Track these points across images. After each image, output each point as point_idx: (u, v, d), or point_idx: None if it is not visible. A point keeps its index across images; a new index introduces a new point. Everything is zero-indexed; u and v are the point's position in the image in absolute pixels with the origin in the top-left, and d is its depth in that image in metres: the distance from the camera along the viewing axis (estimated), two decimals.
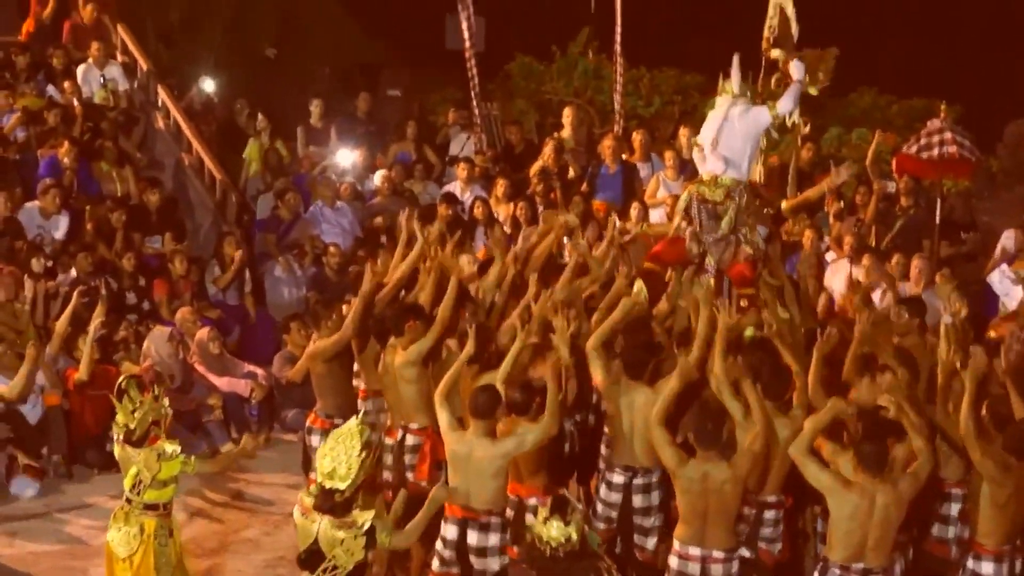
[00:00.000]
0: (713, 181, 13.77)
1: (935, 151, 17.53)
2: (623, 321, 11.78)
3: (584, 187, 19.05)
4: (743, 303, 13.43)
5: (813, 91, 14.30)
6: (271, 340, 17.20)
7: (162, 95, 20.71)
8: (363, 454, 8.99)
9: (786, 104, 13.91)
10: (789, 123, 14.08)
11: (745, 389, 10.52)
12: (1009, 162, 21.09)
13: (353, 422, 9.20)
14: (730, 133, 13.71)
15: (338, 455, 9.00)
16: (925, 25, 30.91)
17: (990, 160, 20.71)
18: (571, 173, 19.58)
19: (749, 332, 12.41)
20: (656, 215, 17.94)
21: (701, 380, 11.22)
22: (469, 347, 11.10)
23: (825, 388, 10.96)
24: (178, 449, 10.45)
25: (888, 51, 29.27)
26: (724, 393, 10.65)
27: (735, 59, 13.76)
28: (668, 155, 19.05)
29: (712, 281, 13.73)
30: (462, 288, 12.52)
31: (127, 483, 10.46)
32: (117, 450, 10.63)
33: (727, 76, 13.90)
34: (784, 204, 15.81)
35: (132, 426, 10.42)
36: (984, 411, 10.58)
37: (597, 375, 11.27)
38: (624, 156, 19.53)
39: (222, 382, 15.96)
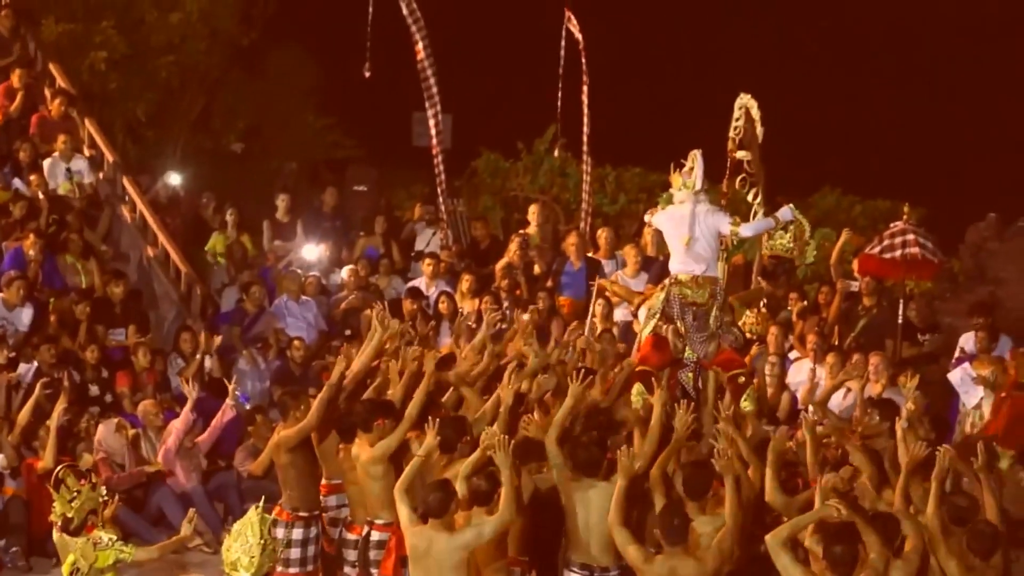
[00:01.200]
0: (694, 281, 13.76)
1: (898, 252, 17.65)
2: (575, 409, 11.84)
3: (549, 283, 19.11)
4: (741, 379, 13.50)
5: (809, 259, 14.52)
6: (234, 433, 17.10)
7: (128, 188, 20.71)
8: (263, 542, 9.00)
9: (749, 231, 13.98)
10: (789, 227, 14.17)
11: (726, 485, 10.57)
12: (971, 264, 21.19)
13: (252, 512, 9.21)
14: (700, 231, 13.73)
15: (241, 545, 9.01)
16: (889, 127, 31.25)
17: (952, 262, 20.82)
18: (536, 269, 19.67)
19: (748, 406, 12.63)
20: (619, 313, 17.98)
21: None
22: (428, 441, 11.10)
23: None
24: (115, 537, 10.48)
25: (852, 152, 29.57)
26: (656, 492, 10.95)
27: (698, 155, 13.78)
28: (630, 252, 19.08)
29: (690, 375, 13.79)
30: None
31: (65, 571, 10.52)
32: (56, 538, 10.68)
33: (678, 168, 13.93)
34: (732, 299, 15.79)
35: (70, 515, 10.51)
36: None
37: (555, 470, 11.26)
38: (589, 253, 19.63)
39: (173, 431, 15.88)
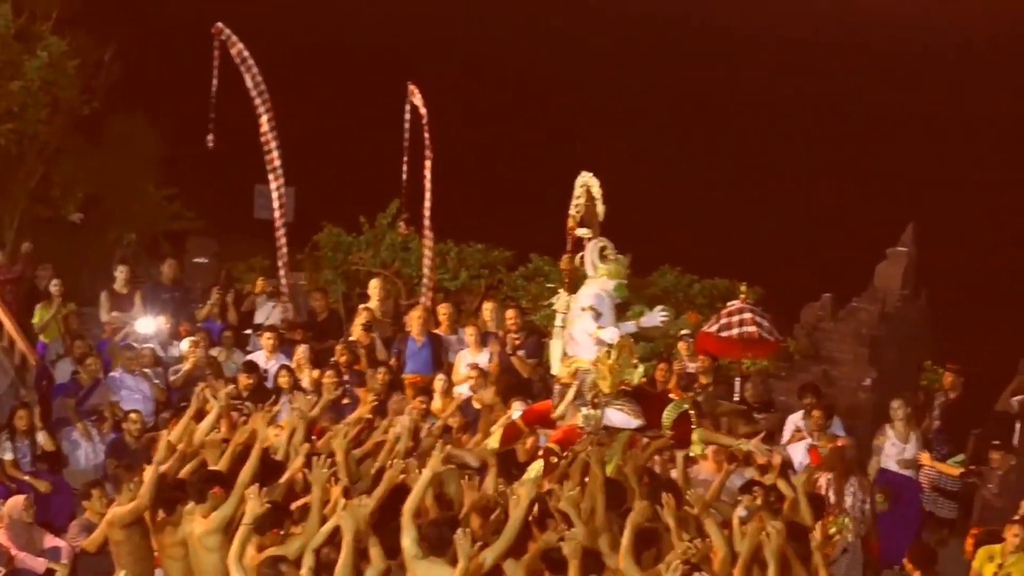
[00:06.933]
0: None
1: (735, 331, 17.85)
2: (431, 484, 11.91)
3: (392, 360, 19.11)
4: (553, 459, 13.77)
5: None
6: (67, 507, 16.79)
7: None
8: None
9: None
10: None
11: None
12: (806, 343, 21.58)
13: None
14: None
15: None
16: (726, 207, 31.79)
17: (788, 341, 21.16)
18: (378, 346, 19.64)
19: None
20: (464, 390, 18.06)
21: None
22: (252, 508, 11.01)
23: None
24: None
25: (690, 231, 30.00)
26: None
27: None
28: (469, 330, 19.18)
29: None
30: (265, 457, 12.51)
31: None
32: None
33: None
34: None
35: None
36: None
37: (405, 543, 11.14)
38: (431, 328, 19.66)
39: (17, 556, 15.42)
